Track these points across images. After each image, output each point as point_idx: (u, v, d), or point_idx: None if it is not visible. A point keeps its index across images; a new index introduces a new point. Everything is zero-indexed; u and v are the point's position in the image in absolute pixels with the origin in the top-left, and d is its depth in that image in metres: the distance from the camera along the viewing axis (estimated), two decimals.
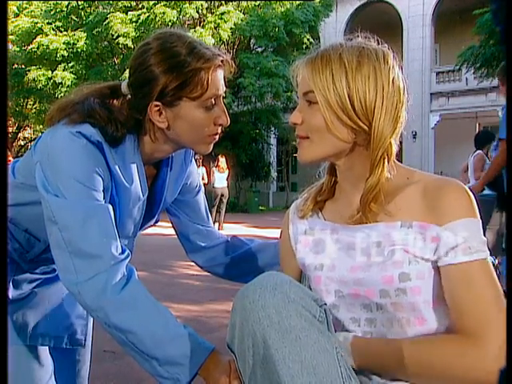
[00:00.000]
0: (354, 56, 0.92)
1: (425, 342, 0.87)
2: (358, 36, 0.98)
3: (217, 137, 1.13)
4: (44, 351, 1.24)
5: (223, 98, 1.13)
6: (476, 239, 0.87)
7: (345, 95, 0.90)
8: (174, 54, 1.04)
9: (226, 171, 11.19)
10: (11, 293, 1.19)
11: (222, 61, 1.08)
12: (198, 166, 10.10)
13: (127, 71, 1.16)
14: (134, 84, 1.09)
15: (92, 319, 1.36)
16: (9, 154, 7.03)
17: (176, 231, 1.42)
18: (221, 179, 11.06)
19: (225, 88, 1.11)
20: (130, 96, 1.11)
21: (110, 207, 1.03)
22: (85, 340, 1.31)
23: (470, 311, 0.85)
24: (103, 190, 1.04)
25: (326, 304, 0.79)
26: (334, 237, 0.99)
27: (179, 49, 1.05)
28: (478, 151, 5.73)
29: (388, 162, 0.94)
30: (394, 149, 0.95)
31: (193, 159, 1.34)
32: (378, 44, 0.97)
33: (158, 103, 1.05)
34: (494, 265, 1.03)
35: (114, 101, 1.14)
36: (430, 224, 0.89)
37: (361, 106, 0.90)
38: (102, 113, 1.07)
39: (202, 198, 1.40)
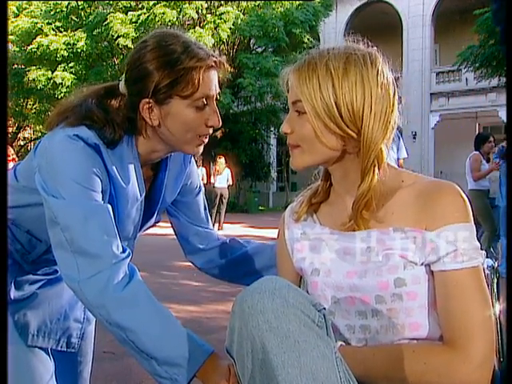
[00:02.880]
0: (340, 63, 0.91)
1: (411, 352, 0.87)
2: (346, 40, 0.97)
3: (206, 139, 1.13)
4: (45, 351, 1.24)
5: (217, 99, 1.13)
6: (468, 245, 0.87)
7: (332, 103, 0.89)
8: (168, 51, 1.05)
9: (225, 171, 11.15)
10: (13, 293, 1.19)
11: (215, 62, 1.08)
12: (198, 167, 10.07)
13: None
14: (129, 80, 1.10)
15: (94, 320, 1.37)
16: (12, 152, 7.03)
17: (175, 232, 1.42)
18: (221, 179, 11.05)
19: (218, 89, 1.11)
20: (126, 95, 1.12)
21: (110, 207, 1.03)
22: (78, 343, 1.31)
23: (456, 321, 0.85)
24: (101, 191, 1.05)
25: (325, 308, 0.79)
26: (329, 242, 0.99)
27: (174, 47, 1.06)
28: (474, 152, 5.80)
29: (379, 169, 0.93)
30: (386, 154, 0.94)
31: (192, 160, 1.34)
32: (368, 47, 0.96)
33: (149, 100, 1.06)
34: (493, 268, 1.03)
35: (112, 101, 1.14)
36: (422, 230, 0.89)
37: (348, 114, 0.89)
38: (99, 114, 1.08)
39: (201, 199, 1.40)
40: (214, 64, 1.08)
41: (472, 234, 0.89)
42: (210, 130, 1.12)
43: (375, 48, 0.96)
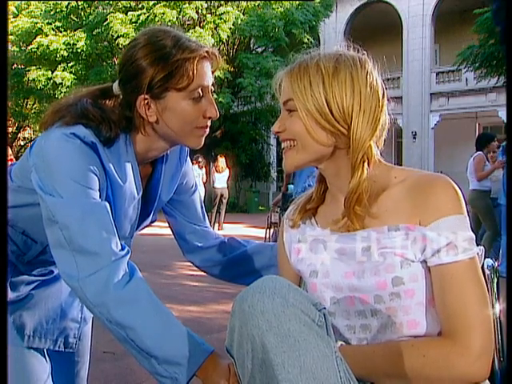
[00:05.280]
0: (330, 63, 0.94)
1: (410, 346, 0.87)
2: (336, 45, 1.01)
3: (207, 130, 1.14)
4: (42, 352, 1.24)
5: (213, 91, 1.14)
6: (462, 237, 0.87)
7: (322, 100, 0.92)
8: (159, 46, 1.07)
9: (226, 171, 11.16)
10: (8, 294, 1.19)
11: (207, 52, 1.09)
12: (201, 168, 10.04)
13: None
14: (124, 79, 1.10)
15: (91, 320, 1.36)
16: (10, 152, 7.04)
17: (173, 231, 1.42)
18: (220, 179, 11.05)
19: (213, 80, 1.12)
20: (121, 95, 1.12)
21: (107, 205, 1.03)
22: (76, 343, 1.31)
23: (453, 313, 0.85)
24: (99, 189, 1.05)
25: (325, 308, 0.79)
26: (326, 243, 0.99)
27: (165, 42, 1.07)
28: (478, 152, 5.79)
29: (368, 165, 0.95)
30: (375, 151, 0.96)
31: (188, 159, 1.35)
32: (359, 52, 0.99)
33: (146, 96, 1.07)
34: (493, 268, 1.03)
35: (107, 101, 1.15)
36: (416, 225, 0.90)
37: (338, 111, 0.92)
38: (94, 113, 1.08)
39: (197, 197, 1.41)
40: (206, 54, 1.09)
41: (466, 225, 0.89)
42: (209, 122, 1.13)
43: (365, 53, 1.00)
